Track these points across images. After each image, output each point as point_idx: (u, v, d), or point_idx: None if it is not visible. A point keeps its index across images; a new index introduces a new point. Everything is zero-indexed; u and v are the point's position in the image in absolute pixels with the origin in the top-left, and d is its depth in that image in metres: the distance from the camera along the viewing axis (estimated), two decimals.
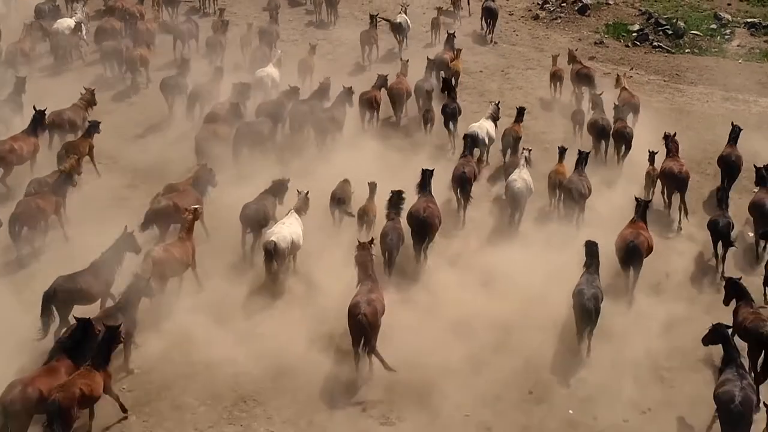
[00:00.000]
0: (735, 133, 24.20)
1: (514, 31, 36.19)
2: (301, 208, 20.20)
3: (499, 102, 26.85)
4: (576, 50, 31.28)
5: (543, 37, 36.57)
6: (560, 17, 38.64)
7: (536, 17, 38.99)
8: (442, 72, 29.13)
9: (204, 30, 33.23)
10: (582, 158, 22.51)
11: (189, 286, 19.06)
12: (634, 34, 36.74)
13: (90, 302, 17.28)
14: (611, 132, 24.97)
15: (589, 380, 17.03)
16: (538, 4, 40.31)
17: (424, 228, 20.08)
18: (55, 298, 16.78)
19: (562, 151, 23.32)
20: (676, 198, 22.72)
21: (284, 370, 16.89)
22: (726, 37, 36.78)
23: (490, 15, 35.37)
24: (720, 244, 20.45)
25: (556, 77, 29.30)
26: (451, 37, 31.57)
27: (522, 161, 22.75)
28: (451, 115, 25.78)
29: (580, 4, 39.02)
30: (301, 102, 26.24)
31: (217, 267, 19.90)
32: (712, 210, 21.91)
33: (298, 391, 16.55)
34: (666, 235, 22.07)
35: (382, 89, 27.37)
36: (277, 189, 21.01)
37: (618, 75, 28.67)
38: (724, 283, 18.44)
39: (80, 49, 32.27)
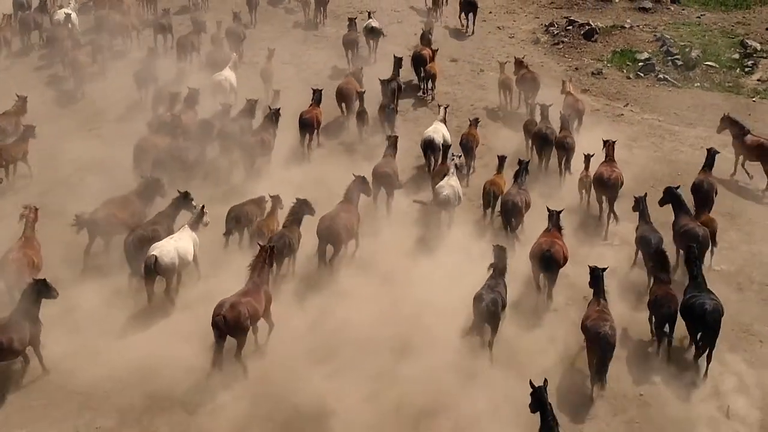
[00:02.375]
0: (711, 158, 22.61)
1: (508, 56, 32.54)
2: (196, 223, 19.51)
3: (447, 105, 26.52)
4: (523, 57, 29.64)
5: (537, 64, 32.86)
6: (563, 42, 34.90)
7: (537, 41, 35.30)
8: (421, 67, 29.53)
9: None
10: (522, 168, 21.89)
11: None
12: (640, 63, 32.65)
13: None
14: (554, 142, 24.32)
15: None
16: (545, 26, 36.63)
17: (327, 238, 19.84)
18: None
19: (502, 160, 22.79)
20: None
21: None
22: (747, 69, 32.41)
23: (471, 8, 34.89)
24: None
25: (504, 85, 28.60)
26: (426, 33, 31.61)
27: (452, 168, 22.19)
28: (389, 112, 26.09)
29: (587, 28, 35.12)
30: (230, 121, 25.16)
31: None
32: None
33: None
34: (596, 243, 21.47)
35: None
36: (177, 207, 20.21)
37: (564, 81, 28.06)
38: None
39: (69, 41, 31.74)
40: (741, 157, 24.45)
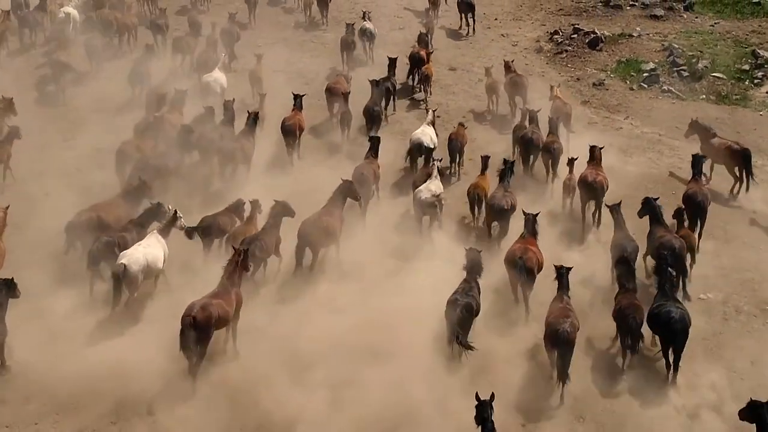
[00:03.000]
0: (698, 164, 22.12)
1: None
2: (167, 229, 19.16)
3: (436, 109, 26.71)
4: (512, 61, 29.54)
5: (537, 74, 31.87)
6: (567, 51, 33.77)
7: (540, 50, 34.20)
8: (416, 68, 29.81)
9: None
10: (506, 169, 21.76)
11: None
12: (644, 74, 31.43)
13: None
14: (541, 146, 24.08)
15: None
16: (549, 34, 35.53)
17: (306, 241, 19.58)
18: None
19: (485, 160, 22.59)
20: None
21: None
22: (756, 81, 31.05)
23: (469, 8, 34.91)
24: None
25: (491, 89, 28.46)
26: (424, 35, 31.69)
27: (434, 171, 22.06)
28: (375, 117, 26.03)
29: (592, 37, 33.96)
30: (211, 129, 24.63)
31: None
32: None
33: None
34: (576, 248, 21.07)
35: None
36: (149, 216, 19.77)
37: (552, 86, 27.71)
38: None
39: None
40: (709, 161, 23.94)
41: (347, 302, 18.47)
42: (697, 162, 22.16)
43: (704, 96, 30.43)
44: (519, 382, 16.72)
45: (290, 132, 24.93)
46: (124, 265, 17.66)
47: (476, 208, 21.82)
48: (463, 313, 16.59)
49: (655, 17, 37.62)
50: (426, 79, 29.46)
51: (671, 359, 16.58)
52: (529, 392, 16.49)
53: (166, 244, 18.90)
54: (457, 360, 16.83)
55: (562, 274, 17.48)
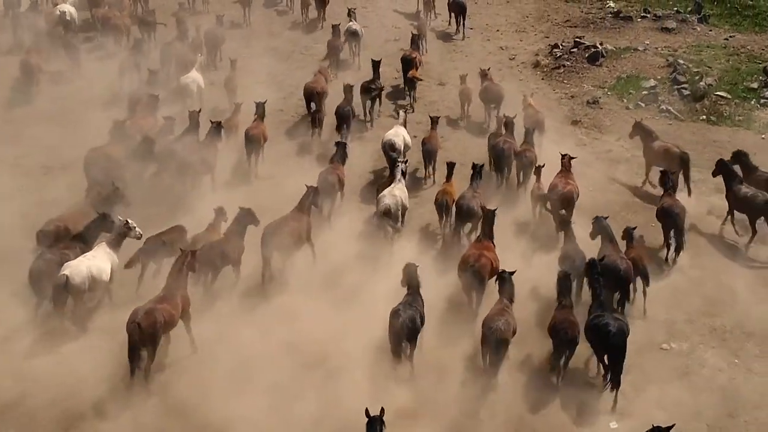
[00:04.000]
0: (668, 178, 21.58)
1: (501, 80, 29.93)
2: (116, 240, 18.67)
3: (406, 109, 26.83)
4: (488, 69, 28.70)
5: (532, 90, 30.12)
6: (564, 66, 32.06)
7: (537, 64, 32.53)
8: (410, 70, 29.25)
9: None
10: (476, 172, 21.58)
11: None
12: (644, 92, 29.63)
13: None
14: (514, 155, 23.54)
15: None
16: (550, 47, 33.85)
17: (269, 246, 19.19)
18: None
19: (450, 167, 22.20)
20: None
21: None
22: (762, 101, 29.10)
23: (460, 9, 34.57)
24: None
25: (464, 96, 27.98)
26: (416, 37, 31.27)
27: (398, 175, 21.68)
28: (345, 117, 25.50)
29: (592, 51, 32.21)
30: (173, 140, 24.04)
31: None
32: None
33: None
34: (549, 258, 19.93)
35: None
36: (95, 228, 19.06)
37: (525, 95, 27.11)
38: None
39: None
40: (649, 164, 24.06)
41: (301, 310, 18.07)
42: (666, 176, 21.61)
43: (704, 116, 28.57)
44: (458, 394, 16.32)
45: (254, 141, 24.25)
46: (66, 276, 17.28)
47: (444, 214, 21.36)
48: (406, 325, 16.19)
49: (666, 30, 35.77)
50: (410, 84, 28.92)
51: (610, 373, 16.01)
52: (465, 405, 16.08)
53: (116, 256, 18.42)
54: (402, 371, 16.48)
55: (504, 278, 17.26)
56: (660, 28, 36.00)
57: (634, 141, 26.45)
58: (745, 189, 21.55)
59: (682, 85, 29.64)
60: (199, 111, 24.70)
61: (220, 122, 24.18)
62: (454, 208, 21.09)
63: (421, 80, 29.28)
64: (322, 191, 21.16)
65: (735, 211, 21.81)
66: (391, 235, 20.84)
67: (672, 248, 20.41)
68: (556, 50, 33.19)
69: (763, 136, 27.22)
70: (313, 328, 17.41)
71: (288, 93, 29.68)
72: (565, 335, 16.21)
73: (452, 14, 35.35)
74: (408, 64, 29.25)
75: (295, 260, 19.85)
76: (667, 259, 20.50)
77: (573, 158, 22.29)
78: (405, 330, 16.19)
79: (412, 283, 17.21)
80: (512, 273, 17.34)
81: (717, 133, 27.48)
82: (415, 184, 23.90)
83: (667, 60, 31.75)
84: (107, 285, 18.26)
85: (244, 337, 17.25)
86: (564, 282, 17.04)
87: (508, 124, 24.46)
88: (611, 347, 15.90)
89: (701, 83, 29.49)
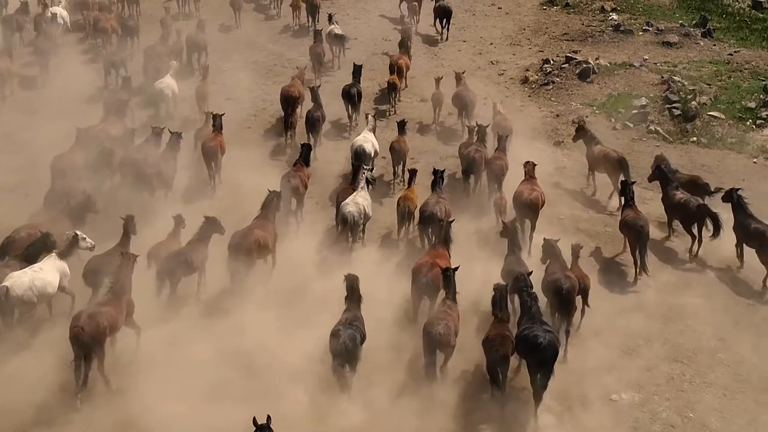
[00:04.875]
0: (628, 189, 21.02)
1: (485, 98, 28.66)
2: (66, 252, 18.38)
3: (375, 114, 26.08)
4: (463, 73, 28.28)
5: (517, 108, 28.92)
6: (554, 82, 30.62)
7: (525, 80, 31.14)
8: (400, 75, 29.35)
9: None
10: (437, 178, 21.38)
11: None
12: (634, 111, 28.10)
13: None
14: (484, 164, 23.16)
15: None
16: (542, 61, 32.41)
17: (236, 253, 18.95)
18: None
19: (412, 174, 22.03)
20: None
21: None
22: (759, 122, 27.45)
23: (445, 14, 34.52)
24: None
25: (436, 101, 27.63)
26: (406, 40, 31.39)
27: (362, 182, 21.33)
28: (314, 121, 25.48)
29: (583, 67, 30.73)
30: (134, 150, 23.63)
31: None
32: None
33: None
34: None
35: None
36: (37, 248, 18.58)
37: (494, 103, 26.87)
38: None
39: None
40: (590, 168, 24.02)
41: (255, 319, 17.70)
42: (626, 187, 21.11)
43: (695, 138, 27.00)
44: (402, 405, 15.92)
45: (211, 154, 23.67)
46: (7, 288, 17.13)
47: (405, 221, 21.12)
48: (346, 346, 15.79)
49: (668, 44, 34.22)
50: (392, 89, 28.73)
51: (538, 385, 15.49)
52: (407, 418, 15.62)
53: (66, 267, 18.20)
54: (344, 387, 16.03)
55: (447, 276, 17.13)
56: (661, 42, 34.47)
57: None
58: (680, 194, 21.25)
59: (674, 105, 28.07)
60: (163, 128, 24.12)
61: (180, 133, 23.65)
62: (417, 214, 20.80)
63: (399, 85, 29.10)
64: (284, 195, 20.94)
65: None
66: (352, 243, 20.64)
67: (638, 264, 19.85)
68: (546, 65, 31.74)
69: (755, 159, 25.61)
70: (265, 338, 17.07)
71: (260, 109, 28.77)
72: (497, 352, 15.61)
73: (437, 19, 35.00)
74: (391, 68, 29.34)
75: (255, 267, 19.40)
76: (637, 274, 19.89)
77: (535, 165, 21.93)
78: (345, 351, 15.81)
79: (352, 295, 16.81)
80: (455, 269, 17.23)
81: (706, 156, 25.91)
82: (379, 190, 23.36)
83: (662, 77, 30.16)
84: (51, 297, 17.95)
85: (194, 345, 16.98)
86: (500, 295, 16.49)
87: (480, 132, 23.99)
88: (541, 360, 15.40)
89: (693, 103, 27.89)
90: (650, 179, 22.62)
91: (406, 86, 30.21)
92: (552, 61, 32.01)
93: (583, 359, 17.19)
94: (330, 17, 33.09)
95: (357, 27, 36.24)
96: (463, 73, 28.15)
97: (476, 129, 24.16)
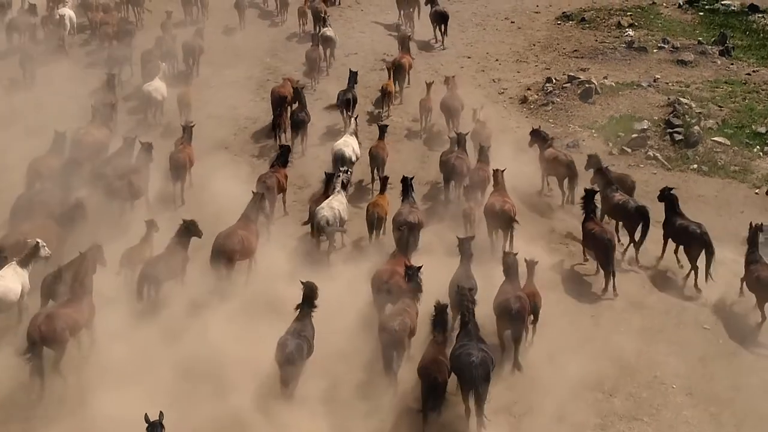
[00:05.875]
0: (590, 201, 20.54)
1: (483, 118, 27.24)
2: (27, 260, 18.07)
3: (357, 116, 25.96)
4: (453, 77, 27.97)
5: (512, 129, 27.62)
6: (554, 103, 29.20)
7: (524, 100, 29.75)
8: (400, 76, 29.50)
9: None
10: (406, 186, 21.25)
11: None
12: (634, 134, 26.57)
13: None
14: (465, 173, 22.91)
15: None
16: (545, 79, 30.99)
17: (219, 255, 19.01)
18: None
19: (384, 181, 22.02)
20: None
21: None
22: (766, 148, 25.67)
23: (443, 19, 34.06)
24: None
25: (423, 107, 27.26)
26: (406, 39, 31.37)
27: (337, 186, 21.18)
28: (299, 122, 25.60)
29: (585, 87, 29.25)
30: (104, 162, 23.16)
31: None
32: None
33: None
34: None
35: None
36: None
37: (474, 109, 26.38)
38: None
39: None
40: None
41: (216, 324, 17.47)
42: (587, 197, 20.62)
43: (696, 165, 25.40)
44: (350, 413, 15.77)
45: (179, 166, 23.23)
46: None
47: (374, 227, 20.89)
48: (292, 356, 15.62)
49: (682, 63, 32.59)
50: (386, 95, 28.65)
51: (472, 405, 15.11)
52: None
53: (26, 275, 17.92)
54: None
55: (410, 275, 17.21)
56: (676, 60, 32.86)
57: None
58: (619, 196, 21.10)
59: (676, 129, 26.51)
60: (135, 137, 23.68)
61: (150, 143, 23.16)
62: (388, 221, 20.84)
63: (394, 91, 29.05)
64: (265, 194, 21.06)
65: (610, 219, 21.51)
66: (328, 247, 20.54)
67: (606, 278, 19.52)
68: (548, 85, 30.29)
69: (756, 190, 23.92)
70: (229, 343, 16.85)
71: (242, 127, 27.87)
72: (434, 379, 15.10)
73: (435, 25, 34.46)
74: (400, 69, 29.44)
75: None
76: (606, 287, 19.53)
77: (503, 170, 21.77)
78: (290, 362, 15.67)
79: (306, 303, 16.45)
80: (419, 268, 17.26)
81: (705, 185, 24.32)
82: (356, 195, 23.46)
83: (668, 98, 28.53)
84: (14, 305, 17.65)
85: (159, 348, 16.90)
86: (440, 314, 15.99)
87: (460, 141, 23.73)
88: (472, 379, 14.99)
89: (696, 127, 26.27)
90: (592, 182, 22.21)
91: (409, 84, 30.07)
92: (555, 80, 30.57)
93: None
94: (324, 20, 33.04)
95: (360, 41, 35.13)
96: (453, 77, 27.81)
97: (456, 137, 23.83)
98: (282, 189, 22.46)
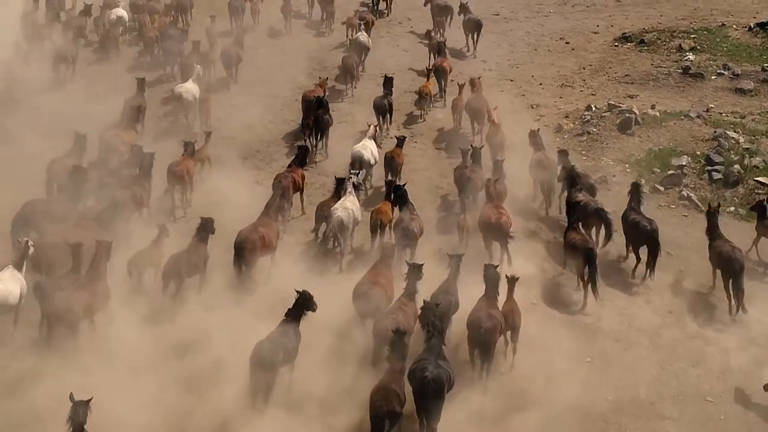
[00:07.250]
0: (573, 210, 20.65)
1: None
2: (21, 261, 18.04)
3: (377, 124, 26.47)
4: (479, 78, 28.30)
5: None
6: (589, 133, 27.31)
7: (558, 129, 27.96)
8: (442, 79, 29.92)
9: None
10: (401, 195, 21.13)
11: None
12: (670, 171, 24.51)
13: None
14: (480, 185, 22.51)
15: None
16: (586, 107, 29.08)
17: (240, 252, 19.31)
18: None
19: (389, 186, 21.83)
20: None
21: None
22: None
23: (477, 27, 34.01)
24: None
25: (455, 108, 27.68)
26: (442, 44, 31.57)
27: (349, 188, 21.29)
28: (322, 124, 25.90)
29: (625, 117, 27.23)
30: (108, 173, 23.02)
31: None
32: None
33: None
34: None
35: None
36: None
37: (488, 109, 26.38)
38: None
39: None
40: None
41: (215, 320, 17.61)
42: (570, 207, 20.72)
43: (733, 208, 23.19)
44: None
45: (176, 177, 23.05)
46: None
47: (376, 234, 20.91)
48: (267, 361, 15.38)
49: (742, 91, 30.30)
50: (422, 97, 28.97)
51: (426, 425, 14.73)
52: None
53: (23, 278, 17.85)
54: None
55: (413, 270, 17.45)
56: (734, 88, 30.51)
57: None
58: (581, 196, 21.07)
59: (716, 167, 24.30)
60: (140, 147, 23.56)
61: (153, 153, 23.01)
62: (390, 228, 20.98)
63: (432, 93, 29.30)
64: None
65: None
66: (341, 249, 20.68)
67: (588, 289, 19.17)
68: (587, 113, 28.36)
69: None
70: (227, 340, 16.87)
71: (252, 151, 26.92)
72: (384, 409, 14.39)
73: (468, 34, 34.39)
74: (441, 73, 29.84)
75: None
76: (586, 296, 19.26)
77: (496, 180, 21.71)
78: (264, 367, 15.43)
79: (294, 310, 16.30)
80: (421, 265, 17.49)
81: (740, 230, 22.02)
82: (371, 199, 23.46)
83: (715, 131, 26.27)
84: (13, 307, 17.57)
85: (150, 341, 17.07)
86: (398, 339, 15.40)
87: (475, 155, 23.54)
88: (424, 396, 14.63)
89: (736, 166, 24.02)
90: (559, 179, 22.48)
91: (445, 91, 29.96)
92: (594, 108, 28.61)
93: None
94: (360, 25, 33.13)
95: (400, 60, 33.79)
96: (479, 78, 28.19)
97: (470, 151, 23.58)
98: (298, 189, 22.72)
